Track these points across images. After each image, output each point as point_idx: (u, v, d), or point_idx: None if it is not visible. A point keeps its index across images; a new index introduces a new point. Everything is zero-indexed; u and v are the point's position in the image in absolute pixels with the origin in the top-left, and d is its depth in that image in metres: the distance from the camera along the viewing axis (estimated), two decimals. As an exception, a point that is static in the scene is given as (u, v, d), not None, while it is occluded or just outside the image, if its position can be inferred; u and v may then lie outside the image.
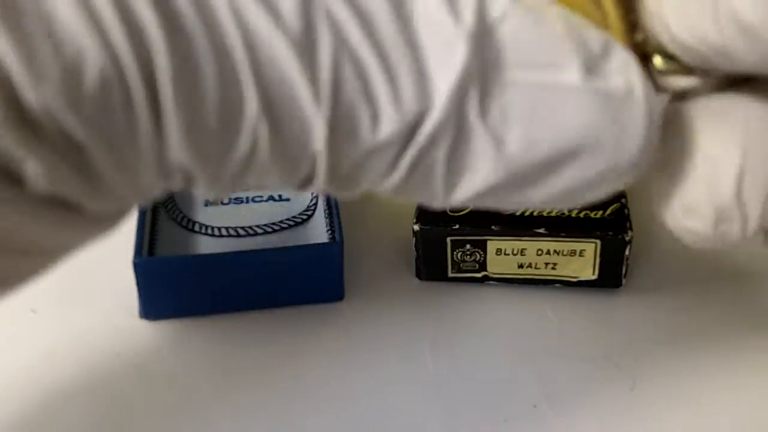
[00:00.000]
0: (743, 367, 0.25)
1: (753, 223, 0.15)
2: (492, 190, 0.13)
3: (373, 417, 0.24)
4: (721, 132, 0.15)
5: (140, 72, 0.11)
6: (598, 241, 0.26)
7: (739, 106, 0.15)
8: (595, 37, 0.14)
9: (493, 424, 0.24)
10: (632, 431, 0.24)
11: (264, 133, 0.12)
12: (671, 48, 0.14)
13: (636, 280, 0.28)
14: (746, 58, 0.13)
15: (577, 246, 0.27)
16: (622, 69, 0.13)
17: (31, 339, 0.26)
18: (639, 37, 0.15)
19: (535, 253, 0.27)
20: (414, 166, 0.13)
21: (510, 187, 0.13)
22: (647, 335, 0.26)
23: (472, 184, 0.13)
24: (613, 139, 0.13)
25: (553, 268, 0.27)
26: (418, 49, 0.13)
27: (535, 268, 0.27)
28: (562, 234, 0.27)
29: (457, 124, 0.13)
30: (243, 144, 0.12)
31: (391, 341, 0.26)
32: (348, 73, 0.12)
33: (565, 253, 0.27)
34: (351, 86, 0.12)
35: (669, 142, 0.15)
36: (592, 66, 0.13)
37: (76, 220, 0.13)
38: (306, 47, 0.12)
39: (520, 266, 0.28)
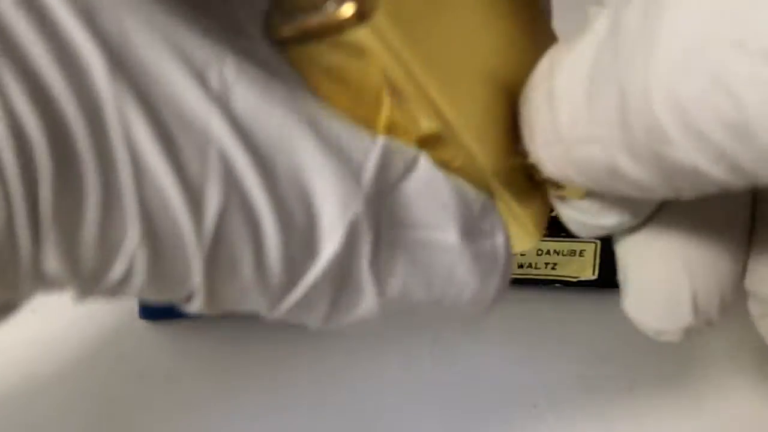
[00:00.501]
0: (743, 367, 0.25)
1: (716, 318, 0.17)
2: (365, 320, 0.15)
3: (373, 418, 0.24)
4: (665, 266, 0.17)
5: (24, 194, 0.11)
6: (598, 242, 0.26)
7: (668, 237, 0.17)
8: (475, 198, 0.15)
9: (494, 425, 0.24)
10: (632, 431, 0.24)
11: (142, 260, 0.12)
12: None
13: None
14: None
15: (577, 246, 0.27)
16: (492, 231, 0.15)
17: (32, 339, 0.26)
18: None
19: (535, 253, 0.27)
20: (297, 306, 0.14)
21: (381, 317, 0.15)
22: (647, 336, 0.26)
23: (351, 317, 0.14)
24: (474, 291, 0.15)
25: (553, 268, 0.27)
26: (313, 202, 0.13)
27: (535, 268, 0.27)
28: (562, 234, 0.26)
29: (344, 272, 0.14)
30: (119, 267, 0.12)
31: (391, 342, 0.26)
32: (235, 215, 0.12)
33: (565, 253, 0.27)
34: (237, 228, 0.13)
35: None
36: (469, 229, 0.15)
37: None
38: (196, 187, 0.12)
39: (520, 266, 0.28)
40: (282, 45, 0.14)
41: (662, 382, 0.25)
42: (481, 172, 0.16)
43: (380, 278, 0.14)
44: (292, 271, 0.13)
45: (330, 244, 0.13)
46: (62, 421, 0.24)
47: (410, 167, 0.14)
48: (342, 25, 0.13)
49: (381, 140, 0.14)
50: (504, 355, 0.26)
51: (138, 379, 0.25)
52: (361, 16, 0.13)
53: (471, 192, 0.15)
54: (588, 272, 0.27)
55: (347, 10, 0.13)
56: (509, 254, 0.16)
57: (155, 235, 0.12)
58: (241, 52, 0.13)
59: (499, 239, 0.16)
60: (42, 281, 0.12)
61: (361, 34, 0.13)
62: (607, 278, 0.27)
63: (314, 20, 0.13)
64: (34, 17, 0.11)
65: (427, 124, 0.14)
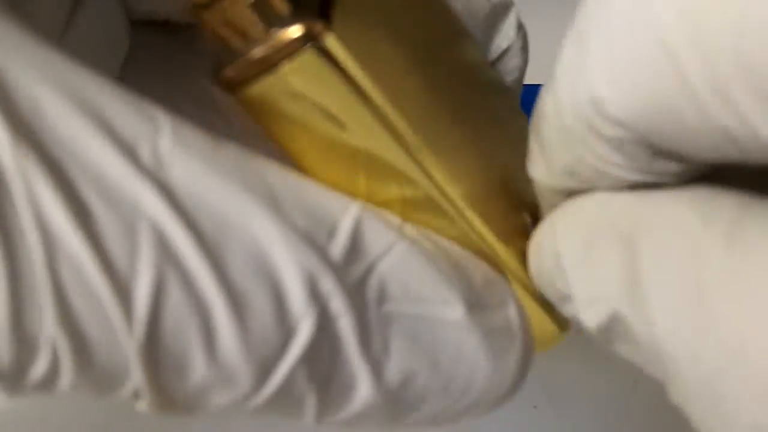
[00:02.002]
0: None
1: None
2: (369, 412, 0.13)
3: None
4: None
5: None
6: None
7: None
8: (474, 269, 0.14)
9: (494, 425, 0.24)
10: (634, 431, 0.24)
11: (66, 351, 0.11)
12: None
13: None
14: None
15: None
16: (502, 303, 0.14)
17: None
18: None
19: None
20: (275, 401, 0.12)
21: (386, 410, 0.13)
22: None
23: (348, 410, 0.13)
24: (488, 373, 0.14)
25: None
26: (278, 281, 0.12)
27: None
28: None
29: (327, 357, 0.12)
30: (42, 361, 0.11)
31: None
32: (175, 299, 0.11)
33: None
34: (179, 314, 0.11)
35: None
36: (474, 301, 0.13)
37: None
38: (123, 267, 0.11)
39: (521, 266, 0.27)
40: (232, 89, 0.13)
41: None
42: (481, 242, 0.14)
43: (375, 361, 0.13)
44: (258, 361, 0.12)
45: (302, 326, 0.12)
46: (62, 420, 0.24)
47: (396, 237, 0.13)
48: (291, 47, 0.12)
49: (354, 208, 0.13)
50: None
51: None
52: (310, 36, 0.12)
53: (470, 262, 0.14)
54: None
55: (295, 31, 0.12)
56: (526, 328, 0.14)
57: (76, 321, 0.11)
58: (187, 116, 0.12)
59: (512, 311, 0.14)
60: None
61: (312, 52, 0.12)
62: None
63: (260, 51, 0.12)
64: None
65: (409, 190, 0.14)
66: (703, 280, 0.11)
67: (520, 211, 0.15)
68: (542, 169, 0.13)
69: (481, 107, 0.16)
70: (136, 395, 0.12)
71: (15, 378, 0.11)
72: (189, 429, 0.24)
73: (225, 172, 0.12)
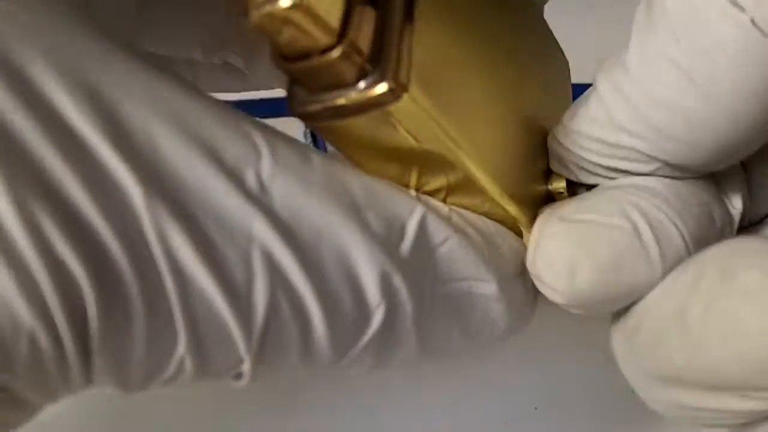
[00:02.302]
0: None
1: None
2: (409, 362, 0.15)
3: (374, 419, 0.24)
4: None
5: (72, 331, 0.11)
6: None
7: None
8: (501, 243, 0.16)
9: (494, 426, 0.24)
10: (634, 433, 0.24)
11: (190, 363, 0.12)
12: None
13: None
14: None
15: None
16: (519, 270, 0.16)
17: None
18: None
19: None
20: (348, 364, 0.14)
21: (419, 358, 0.15)
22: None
23: (393, 363, 0.15)
24: (505, 327, 0.16)
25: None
26: (358, 283, 0.13)
27: None
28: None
29: (389, 334, 0.14)
30: (167, 373, 0.13)
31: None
32: (283, 312, 0.13)
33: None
34: (285, 323, 0.13)
35: None
36: (504, 277, 0.15)
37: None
38: (241, 291, 0.12)
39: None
40: (310, 120, 0.14)
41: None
42: (507, 213, 0.16)
43: (424, 331, 0.14)
44: (339, 349, 0.14)
45: (376, 317, 0.14)
46: (62, 420, 0.24)
47: (450, 231, 0.15)
48: (377, 102, 0.13)
49: (419, 209, 0.14)
50: (505, 356, 0.26)
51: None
52: (397, 93, 0.13)
53: (500, 237, 0.16)
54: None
55: (381, 88, 0.13)
56: (533, 285, 0.16)
57: (202, 341, 0.12)
58: (273, 134, 0.13)
59: (527, 276, 0.16)
60: (87, 389, 0.12)
61: (398, 108, 0.13)
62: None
63: (344, 98, 0.13)
64: (66, 148, 0.11)
65: (453, 177, 0.15)
66: None
67: (543, 180, 0.17)
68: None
69: (523, 65, 0.18)
70: (235, 377, 0.14)
71: (141, 386, 0.13)
72: (191, 427, 0.24)
73: (317, 189, 0.13)
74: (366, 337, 0.14)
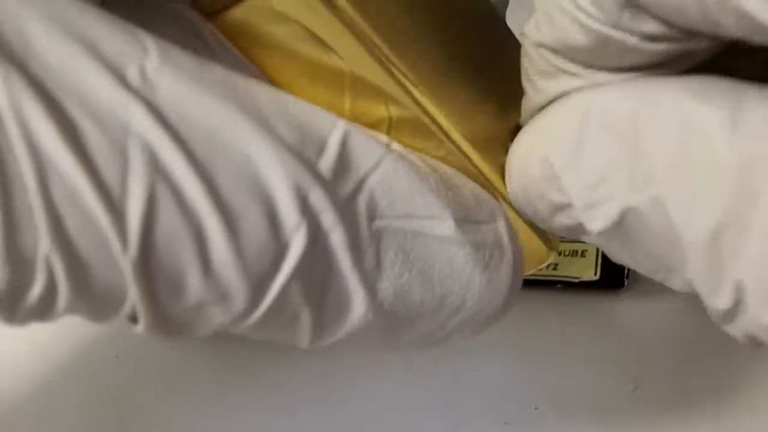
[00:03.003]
0: (746, 368, 0.25)
1: None
2: (363, 331, 0.13)
3: (374, 419, 0.24)
4: None
5: None
6: (600, 242, 0.26)
7: None
8: (462, 184, 0.14)
9: (494, 427, 0.24)
10: (634, 433, 0.24)
11: (61, 270, 0.11)
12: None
13: (638, 280, 0.28)
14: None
15: (579, 246, 0.27)
16: (492, 217, 0.14)
17: (30, 339, 0.26)
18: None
19: (537, 253, 0.27)
20: (270, 319, 0.12)
21: (381, 328, 0.13)
22: (649, 336, 0.26)
23: (342, 328, 0.13)
24: (481, 287, 0.14)
25: (554, 269, 0.27)
26: (270, 196, 0.12)
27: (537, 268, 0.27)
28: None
29: (320, 273, 0.12)
30: (38, 282, 0.11)
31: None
32: (167, 214, 0.11)
33: (566, 253, 0.27)
34: (172, 230, 0.11)
35: None
36: (463, 215, 0.13)
37: None
38: (114, 184, 0.11)
39: (522, 267, 0.27)
40: (211, 15, 0.13)
41: (665, 383, 0.25)
42: (468, 161, 0.15)
43: (368, 277, 0.13)
44: (252, 276, 0.12)
45: (295, 240, 0.12)
46: (62, 420, 0.24)
47: (384, 152, 0.13)
48: None
49: (342, 123, 0.13)
50: (505, 355, 0.26)
51: (137, 378, 0.25)
52: None
53: (458, 179, 0.14)
54: (590, 273, 0.27)
55: None
56: (516, 242, 0.15)
57: (70, 241, 0.11)
58: (172, 38, 0.12)
59: (501, 225, 0.14)
60: None
61: None
62: (609, 279, 0.27)
63: None
64: None
65: (395, 111, 0.14)
66: (709, 159, 0.11)
67: (504, 130, 0.16)
68: (536, 34, 0.13)
69: (466, 27, 0.16)
70: (133, 317, 0.12)
71: (12, 302, 0.11)
72: (193, 427, 0.24)
73: (212, 90, 0.12)
74: (286, 267, 0.12)
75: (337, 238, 0.12)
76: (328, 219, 0.12)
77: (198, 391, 0.25)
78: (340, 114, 0.13)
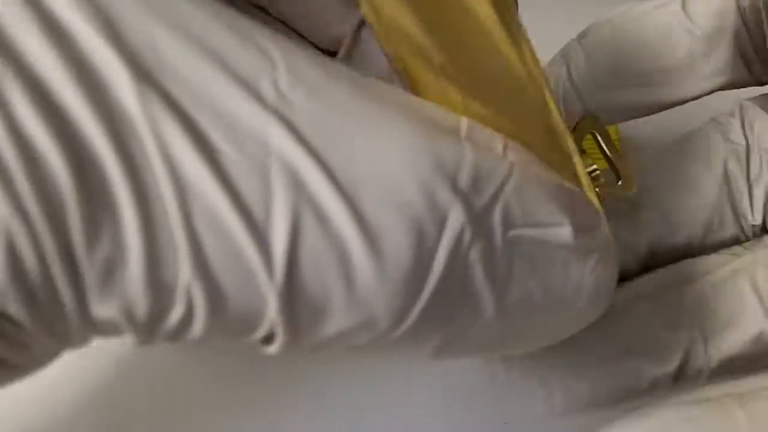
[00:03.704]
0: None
1: None
2: (483, 335, 0.13)
3: (374, 419, 0.24)
4: None
5: (52, 233, 0.10)
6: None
7: None
8: (579, 193, 0.14)
9: (494, 427, 0.24)
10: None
11: (200, 297, 0.11)
12: None
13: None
14: None
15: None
16: (597, 222, 0.14)
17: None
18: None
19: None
20: (410, 333, 0.12)
21: (498, 334, 0.13)
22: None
23: (471, 339, 0.13)
24: (589, 293, 0.14)
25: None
26: (410, 214, 0.11)
27: None
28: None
29: (458, 286, 0.12)
30: (177, 308, 0.11)
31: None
32: (312, 236, 0.11)
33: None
34: (317, 251, 0.11)
35: None
36: (578, 223, 0.14)
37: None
38: (257, 206, 0.10)
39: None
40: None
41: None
42: (564, 160, 0.15)
43: (497, 286, 0.13)
44: (395, 296, 0.11)
45: (437, 261, 0.12)
46: (61, 421, 0.24)
47: (512, 161, 0.13)
48: None
49: (465, 123, 0.13)
50: (504, 355, 0.26)
51: (138, 378, 0.25)
52: None
53: (567, 183, 0.14)
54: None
55: None
56: (614, 244, 0.15)
57: (211, 267, 0.10)
58: (290, 47, 0.12)
59: (605, 228, 0.14)
60: (94, 328, 0.11)
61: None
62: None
63: None
64: (48, 32, 0.10)
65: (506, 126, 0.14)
66: None
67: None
68: None
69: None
70: (267, 339, 0.12)
71: (150, 327, 0.11)
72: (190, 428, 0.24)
73: (343, 105, 0.11)
74: (428, 287, 0.12)
75: (475, 252, 0.12)
76: (468, 234, 0.12)
77: (198, 391, 0.25)
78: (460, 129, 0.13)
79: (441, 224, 0.11)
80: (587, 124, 0.17)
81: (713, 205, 0.20)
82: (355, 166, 0.11)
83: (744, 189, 0.19)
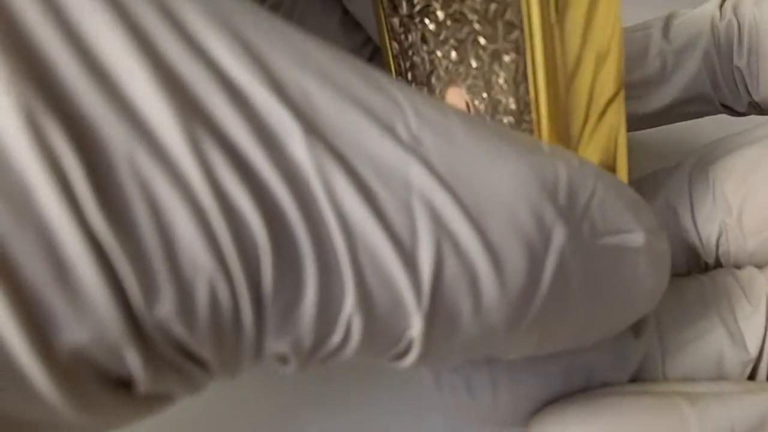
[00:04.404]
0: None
1: None
2: (569, 338, 0.14)
3: (374, 418, 0.24)
4: None
5: (247, 283, 0.11)
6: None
7: None
8: (634, 195, 0.15)
9: (494, 426, 0.24)
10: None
11: (358, 325, 0.12)
12: None
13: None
14: None
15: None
16: (652, 224, 0.15)
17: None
18: None
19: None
20: (525, 332, 0.13)
21: (582, 322, 0.14)
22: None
23: (556, 339, 0.14)
24: (650, 290, 0.15)
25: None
26: (524, 233, 0.12)
27: None
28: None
29: (561, 291, 0.13)
30: (336, 337, 0.12)
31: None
32: (450, 263, 0.12)
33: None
34: (454, 276, 0.12)
35: None
36: (648, 228, 0.15)
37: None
38: (406, 241, 0.12)
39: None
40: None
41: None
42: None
43: (593, 294, 0.14)
44: (511, 312, 0.13)
45: (545, 276, 0.13)
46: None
47: (596, 175, 0.14)
48: None
49: (560, 152, 0.14)
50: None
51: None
52: None
53: (629, 188, 0.15)
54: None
55: None
56: (666, 241, 0.16)
57: (370, 297, 0.12)
58: (411, 91, 0.13)
59: (656, 227, 0.15)
60: (261, 359, 0.12)
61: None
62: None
63: None
64: (228, 93, 0.11)
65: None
66: None
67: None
68: None
69: None
70: (401, 355, 0.13)
71: (310, 354, 0.12)
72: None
73: (461, 140, 0.12)
74: (536, 301, 0.13)
75: (573, 267, 0.13)
76: (568, 250, 0.13)
77: (198, 394, 0.25)
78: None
79: (547, 242, 0.13)
80: None
81: None
82: (479, 196, 0.12)
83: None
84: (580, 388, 0.17)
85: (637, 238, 0.14)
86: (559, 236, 0.13)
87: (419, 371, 0.25)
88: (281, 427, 0.24)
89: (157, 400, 0.12)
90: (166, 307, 0.10)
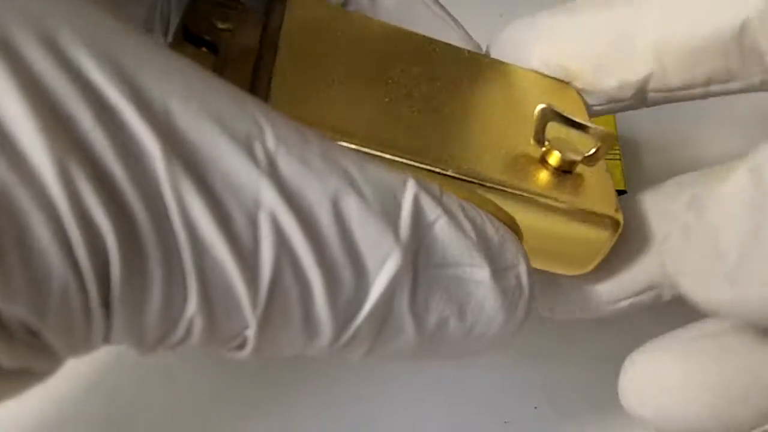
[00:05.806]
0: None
1: None
2: (407, 353, 0.16)
3: (374, 418, 0.24)
4: None
5: (97, 285, 0.12)
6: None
7: None
8: (492, 232, 0.16)
9: (494, 426, 0.24)
10: (634, 432, 0.24)
11: (199, 324, 0.13)
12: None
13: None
14: None
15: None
16: (515, 262, 0.16)
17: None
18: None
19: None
20: (341, 349, 0.15)
21: (419, 350, 0.16)
22: (649, 335, 0.26)
23: (391, 352, 0.15)
24: (501, 322, 0.16)
25: (554, 269, 0.27)
26: (359, 252, 0.14)
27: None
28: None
29: (386, 313, 0.14)
30: (178, 333, 0.13)
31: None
32: (287, 277, 0.13)
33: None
34: (289, 288, 0.13)
35: None
36: (496, 264, 0.16)
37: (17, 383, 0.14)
38: (249, 254, 0.13)
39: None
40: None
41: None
42: (497, 197, 0.17)
43: (419, 316, 0.15)
44: (339, 321, 0.14)
45: (373, 292, 0.14)
46: (61, 420, 0.24)
47: (441, 209, 0.15)
48: None
49: (412, 183, 0.15)
50: (505, 355, 0.26)
51: (138, 378, 0.25)
52: None
53: (490, 225, 0.16)
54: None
55: None
56: (533, 280, 0.17)
57: (211, 301, 0.13)
58: (273, 114, 0.14)
59: (523, 267, 0.16)
60: (105, 345, 0.13)
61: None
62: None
63: None
64: (96, 109, 0.12)
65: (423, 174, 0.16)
66: None
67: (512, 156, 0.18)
68: None
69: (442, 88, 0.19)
70: (238, 347, 0.14)
71: (153, 346, 0.13)
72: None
73: (316, 162, 0.14)
74: (364, 312, 0.14)
75: (403, 288, 0.14)
76: (401, 275, 0.14)
77: (198, 391, 0.25)
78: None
79: (381, 263, 0.14)
80: (542, 116, 0.18)
81: None
82: (320, 216, 0.13)
83: None
84: None
85: (480, 273, 0.15)
86: (393, 260, 0.14)
87: (421, 368, 0.25)
88: (282, 427, 0.24)
89: (17, 376, 0.13)
90: (20, 302, 0.11)
